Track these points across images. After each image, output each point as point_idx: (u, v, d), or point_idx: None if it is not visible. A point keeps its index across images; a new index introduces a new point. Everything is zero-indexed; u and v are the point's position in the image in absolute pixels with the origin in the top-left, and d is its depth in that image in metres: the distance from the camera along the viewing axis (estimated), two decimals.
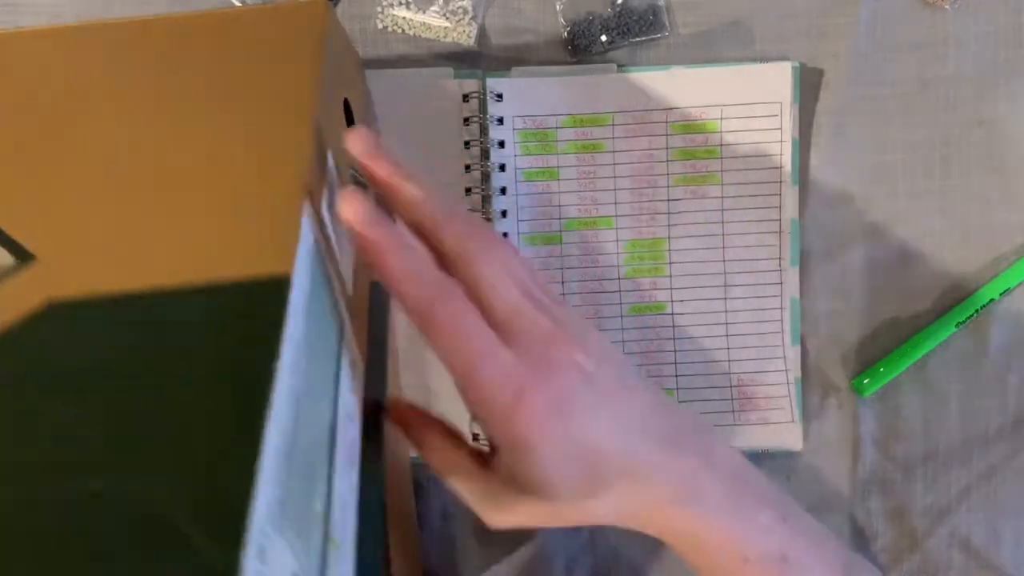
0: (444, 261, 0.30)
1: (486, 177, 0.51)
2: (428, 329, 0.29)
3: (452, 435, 0.35)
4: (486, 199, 0.51)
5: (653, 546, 0.53)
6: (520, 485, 0.31)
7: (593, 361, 0.31)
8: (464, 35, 0.50)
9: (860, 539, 0.53)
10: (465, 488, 0.33)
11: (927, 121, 0.52)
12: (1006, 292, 0.52)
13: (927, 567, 0.53)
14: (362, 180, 0.32)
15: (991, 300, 0.51)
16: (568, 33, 0.51)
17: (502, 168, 0.51)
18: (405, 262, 0.29)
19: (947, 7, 0.51)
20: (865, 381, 0.52)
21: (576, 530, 0.53)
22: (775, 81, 0.50)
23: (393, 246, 0.28)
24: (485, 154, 0.51)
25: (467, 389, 0.29)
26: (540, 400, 0.29)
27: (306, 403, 0.24)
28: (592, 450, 0.30)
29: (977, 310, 0.51)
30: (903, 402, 0.53)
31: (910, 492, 0.53)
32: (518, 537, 0.53)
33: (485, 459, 0.33)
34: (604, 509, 0.32)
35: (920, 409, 0.53)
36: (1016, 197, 0.52)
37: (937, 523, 0.53)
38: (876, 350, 0.53)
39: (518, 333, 0.30)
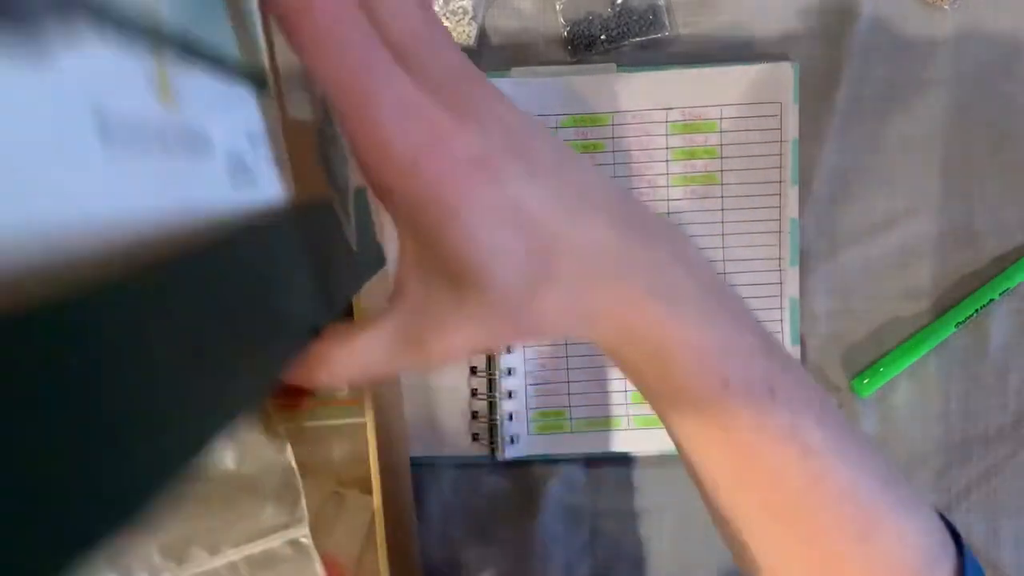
0: None
1: None
2: (300, 31, 0.20)
3: None
4: None
5: (653, 546, 0.53)
6: (441, 290, 0.23)
7: (519, 120, 0.23)
8: (464, 35, 0.50)
9: None
10: (376, 339, 0.25)
11: (927, 121, 0.52)
12: (1006, 292, 0.52)
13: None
14: None
15: (991, 300, 0.51)
16: (568, 33, 0.51)
17: None
18: None
19: (946, 7, 0.51)
20: (865, 381, 0.52)
21: (576, 530, 0.53)
22: (775, 81, 0.50)
23: None
24: None
25: (357, 131, 0.21)
26: (461, 148, 0.21)
27: None
28: (533, 219, 0.22)
29: (977, 310, 0.51)
30: (903, 402, 0.53)
31: None
32: (518, 537, 0.53)
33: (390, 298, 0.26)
34: (556, 306, 0.24)
35: (920, 409, 0.53)
36: (1016, 197, 0.52)
37: None
38: (876, 350, 0.53)
39: (422, 64, 0.22)
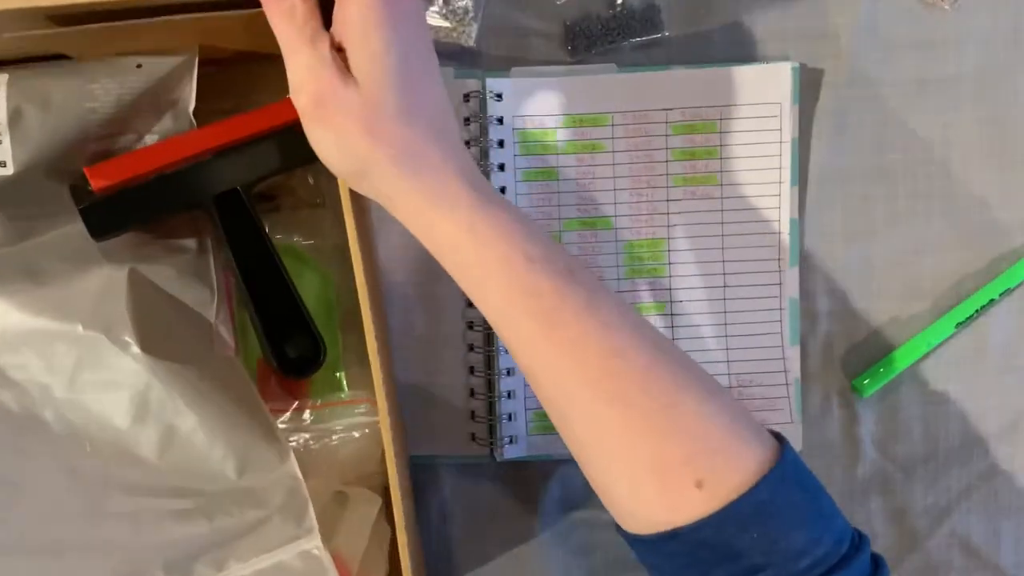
0: None
1: (486, 176, 0.51)
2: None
3: None
4: None
5: None
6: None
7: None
8: (464, 35, 0.50)
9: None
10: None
11: (927, 121, 0.52)
12: (1006, 292, 0.52)
13: (927, 567, 0.53)
14: None
15: (991, 300, 0.51)
16: (568, 33, 0.51)
17: (501, 168, 0.51)
18: None
19: (947, 7, 0.51)
20: (865, 381, 0.52)
21: (575, 530, 0.53)
22: (775, 81, 0.50)
23: None
24: (484, 154, 0.51)
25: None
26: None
27: None
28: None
29: (977, 310, 0.51)
30: (903, 402, 0.53)
31: (910, 492, 0.53)
32: (517, 537, 0.53)
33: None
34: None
35: (920, 409, 0.53)
36: (1016, 197, 0.52)
37: (937, 523, 0.53)
38: (876, 350, 0.52)
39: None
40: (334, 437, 0.47)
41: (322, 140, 0.35)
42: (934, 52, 0.51)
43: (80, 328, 0.39)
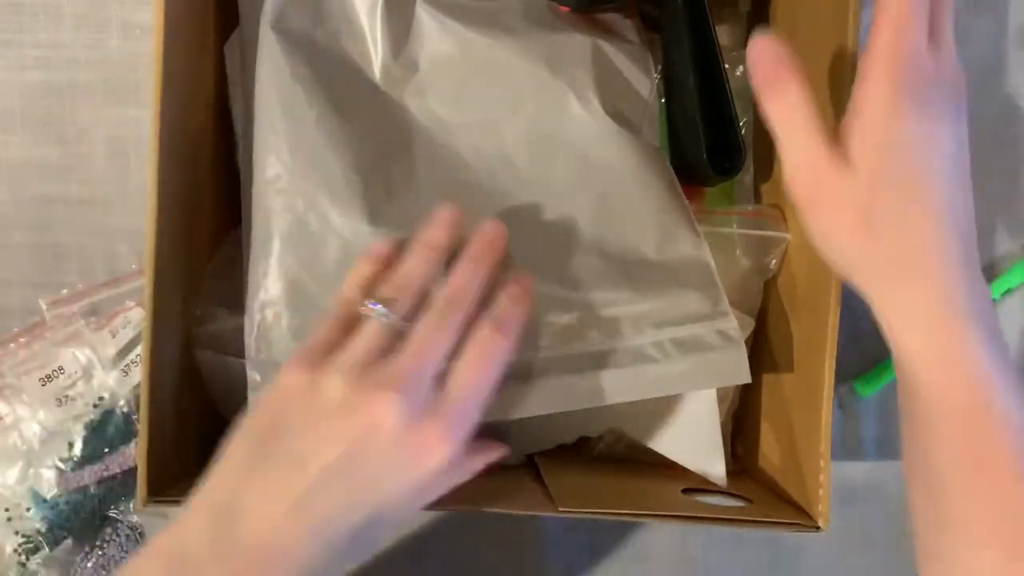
0: None
1: None
2: None
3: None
4: None
5: (653, 547, 0.53)
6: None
7: None
8: None
9: (860, 539, 0.53)
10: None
11: None
12: (1006, 292, 0.52)
13: None
14: None
15: (991, 300, 0.51)
16: None
17: None
18: None
19: None
20: (866, 382, 0.52)
21: (576, 530, 0.53)
22: None
23: None
24: None
25: None
26: None
27: None
28: None
29: None
30: None
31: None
32: (517, 538, 0.53)
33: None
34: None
35: None
36: (1016, 197, 0.52)
37: None
38: (876, 350, 0.52)
39: None
40: (724, 247, 0.46)
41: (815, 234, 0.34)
42: None
43: (548, 74, 0.41)
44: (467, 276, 0.34)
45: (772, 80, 0.33)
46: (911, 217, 0.31)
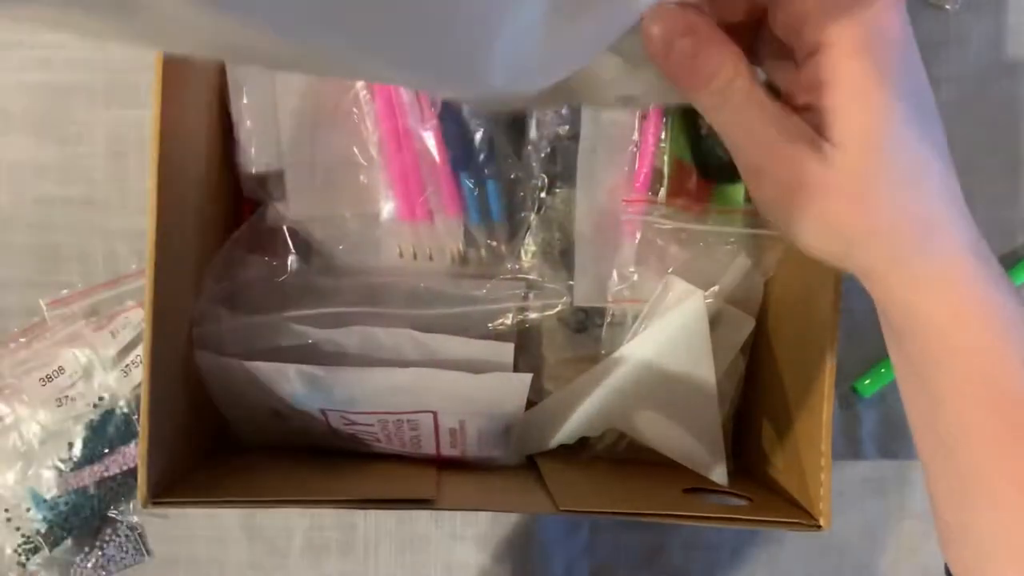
0: None
1: None
2: None
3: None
4: None
5: (652, 547, 0.53)
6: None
7: None
8: None
9: (860, 539, 0.53)
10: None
11: None
12: None
13: (927, 568, 0.53)
14: None
15: None
16: None
17: None
18: None
19: (948, 8, 0.51)
20: (866, 382, 0.52)
21: (576, 531, 0.53)
22: None
23: None
24: None
25: None
26: None
27: None
28: None
29: None
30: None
31: (910, 493, 0.53)
32: (518, 539, 0.53)
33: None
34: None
35: None
36: (1017, 197, 0.52)
37: None
38: (876, 350, 0.52)
39: None
40: (726, 247, 0.47)
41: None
42: (935, 53, 0.51)
43: None
44: None
45: (688, 61, 0.26)
46: (911, 187, 0.30)
